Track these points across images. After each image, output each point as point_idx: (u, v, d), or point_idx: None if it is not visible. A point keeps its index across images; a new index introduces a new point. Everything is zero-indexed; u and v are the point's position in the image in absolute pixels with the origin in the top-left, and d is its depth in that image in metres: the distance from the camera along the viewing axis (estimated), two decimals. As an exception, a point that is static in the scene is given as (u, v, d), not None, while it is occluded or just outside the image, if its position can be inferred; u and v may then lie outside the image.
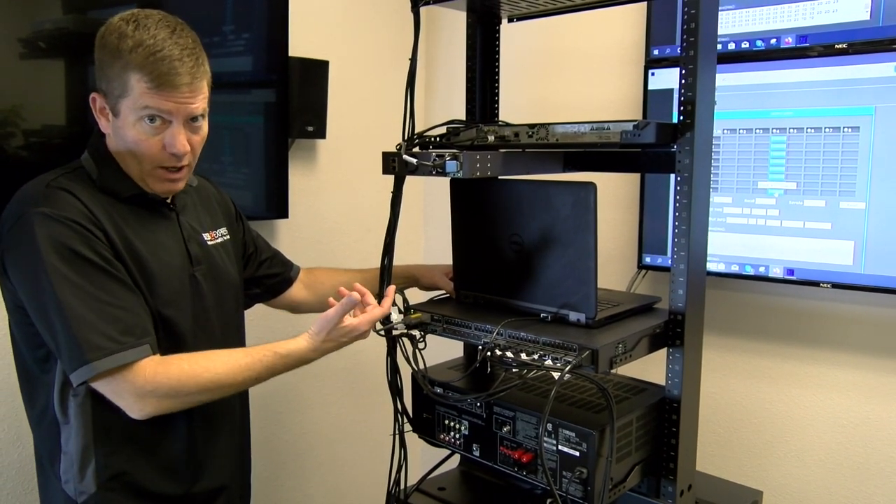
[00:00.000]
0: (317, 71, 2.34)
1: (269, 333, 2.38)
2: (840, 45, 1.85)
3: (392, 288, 1.54)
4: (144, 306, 1.35)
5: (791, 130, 1.92)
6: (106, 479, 1.37)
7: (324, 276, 1.86)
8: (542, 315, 1.49)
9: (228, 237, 1.61)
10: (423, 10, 1.61)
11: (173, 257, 1.43)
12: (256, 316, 2.35)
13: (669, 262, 1.44)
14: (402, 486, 1.67)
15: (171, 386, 1.31)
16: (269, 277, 1.76)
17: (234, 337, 1.61)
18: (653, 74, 2.12)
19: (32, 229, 1.26)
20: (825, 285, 1.92)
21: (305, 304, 1.84)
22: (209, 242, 1.54)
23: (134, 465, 1.39)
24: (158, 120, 1.33)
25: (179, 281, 1.43)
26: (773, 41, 1.96)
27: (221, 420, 1.52)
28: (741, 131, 2.00)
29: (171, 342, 1.40)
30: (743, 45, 2.01)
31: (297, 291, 1.82)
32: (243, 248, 1.70)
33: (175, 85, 1.31)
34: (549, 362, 1.34)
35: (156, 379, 1.30)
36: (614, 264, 2.36)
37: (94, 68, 1.36)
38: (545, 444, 1.40)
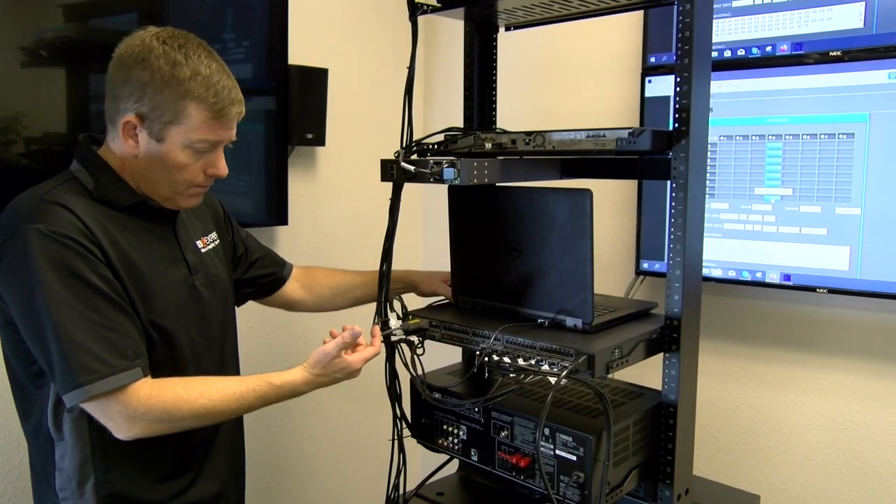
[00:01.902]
0: (316, 79, 2.36)
1: (269, 341, 2.40)
2: (835, 53, 1.87)
3: (378, 328, 1.56)
4: (138, 326, 1.34)
5: (787, 137, 1.94)
6: (105, 494, 1.37)
7: (321, 276, 1.86)
8: (539, 320, 1.50)
9: (218, 241, 1.61)
10: (421, 18, 1.62)
11: (172, 268, 1.43)
12: (256, 322, 2.37)
13: (666, 267, 1.46)
14: (402, 492, 1.68)
15: (164, 410, 1.30)
16: (260, 277, 1.76)
17: (231, 342, 1.62)
18: (650, 82, 2.14)
19: (27, 246, 1.24)
20: (821, 290, 1.93)
21: (301, 303, 1.84)
22: (202, 249, 1.54)
23: (131, 479, 1.39)
24: (209, 147, 1.36)
25: (178, 293, 1.43)
26: (768, 49, 1.98)
27: (216, 428, 1.53)
28: (737, 138, 2.02)
29: (171, 353, 1.40)
30: (739, 53, 2.02)
31: (292, 290, 1.82)
32: (233, 250, 1.69)
33: (231, 116, 1.37)
34: (546, 367, 1.35)
35: (149, 402, 1.29)
36: (612, 270, 2.37)
37: (107, 82, 1.34)
38: (542, 449, 1.41)
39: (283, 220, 2.34)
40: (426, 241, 2.97)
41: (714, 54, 1.48)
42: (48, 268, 1.24)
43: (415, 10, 1.62)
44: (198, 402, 1.33)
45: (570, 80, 2.48)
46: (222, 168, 1.41)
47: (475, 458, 1.56)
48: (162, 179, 1.37)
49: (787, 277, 1.98)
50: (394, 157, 1.48)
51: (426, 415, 1.65)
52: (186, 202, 1.43)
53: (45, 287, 1.23)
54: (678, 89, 1.39)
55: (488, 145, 1.51)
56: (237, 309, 1.69)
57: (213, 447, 1.52)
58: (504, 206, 1.54)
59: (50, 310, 1.24)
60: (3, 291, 1.29)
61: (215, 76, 1.33)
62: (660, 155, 1.45)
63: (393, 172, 1.48)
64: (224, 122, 1.36)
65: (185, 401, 1.32)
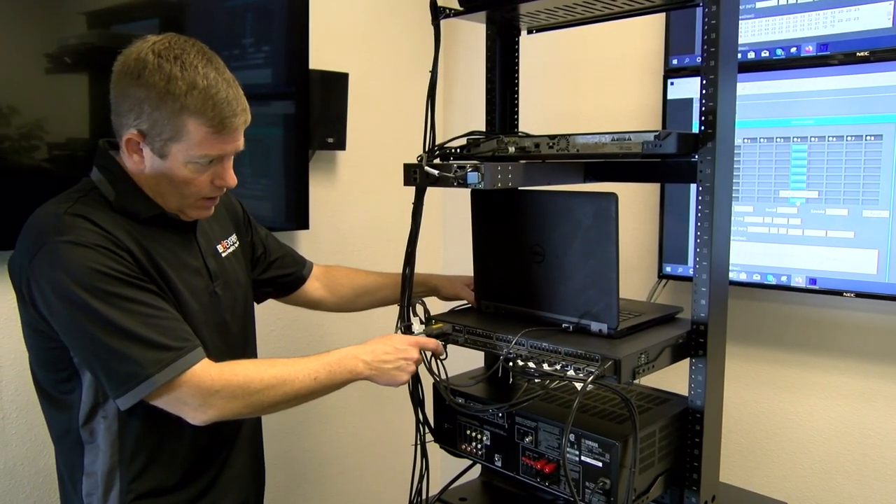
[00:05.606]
0: (337, 83, 2.36)
1: (289, 343, 2.40)
2: (862, 53, 1.84)
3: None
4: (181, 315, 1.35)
5: (812, 139, 1.91)
6: (129, 501, 1.37)
7: (343, 276, 1.85)
8: (563, 325, 1.49)
9: (238, 244, 1.60)
10: (442, 22, 1.62)
11: (195, 276, 1.43)
12: (277, 326, 2.37)
13: (691, 271, 1.44)
14: (424, 497, 1.67)
15: (238, 384, 1.30)
16: (280, 277, 1.75)
17: (251, 347, 1.62)
18: (672, 84, 2.12)
19: (61, 258, 1.23)
20: (848, 294, 1.90)
21: (322, 303, 1.84)
22: (222, 254, 1.53)
23: (155, 487, 1.39)
24: (213, 160, 1.34)
25: (200, 301, 1.42)
26: (793, 50, 1.95)
27: (237, 429, 1.53)
28: (762, 140, 1.99)
29: None
30: (763, 55, 2.00)
31: (313, 290, 1.81)
32: (252, 251, 1.69)
33: (234, 127, 1.32)
34: (571, 373, 1.34)
35: (222, 377, 1.29)
36: (634, 274, 2.35)
37: (111, 97, 1.32)
38: (568, 455, 1.40)
39: (303, 225, 2.35)
40: (446, 245, 2.96)
41: (738, 56, 1.46)
42: (86, 275, 1.23)
43: (437, 14, 1.62)
44: (268, 373, 1.34)
45: (591, 82, 2.46)
46: (230, 179, 1.38)
47: (499, 464, 1.55)
48: (170, 193, 1.36)
49: (813, 281, 1.95)
50: (417, 162, 1.47)
51: (449, 419, 1.64)
52: (196, 214, 1.42)
53: (87, 294, 1.23)
54: (704, 91, 1.38)
55: (512, 149, 1.50)
56: (257, 307, 1.69)
57: (234, 450, 1.52)
58: (527, 209, 1.53)
59: (97, 314, 1.23)
60: (43, 307, 1.27)
61: (213, 87, 1.28)
62: (685, 158, 1.43)
63: (416, 176, 1.48)
64: (226, 135, 1.32)
65: (256, 372, 1.33)
